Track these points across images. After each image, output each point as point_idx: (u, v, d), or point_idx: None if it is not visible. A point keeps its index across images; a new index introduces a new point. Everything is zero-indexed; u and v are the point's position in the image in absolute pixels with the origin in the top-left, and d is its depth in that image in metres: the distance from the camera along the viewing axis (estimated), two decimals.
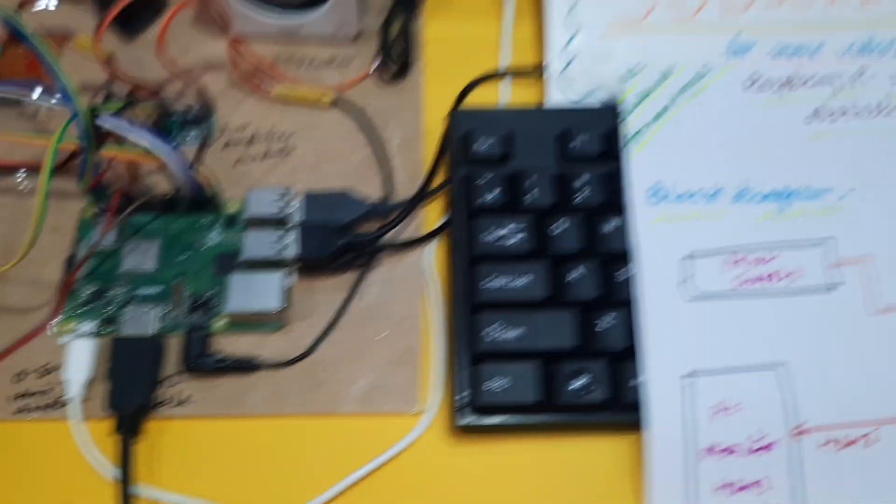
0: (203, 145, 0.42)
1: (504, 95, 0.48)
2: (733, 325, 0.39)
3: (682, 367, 0.38)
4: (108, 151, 0.39)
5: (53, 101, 0.41)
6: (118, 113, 0.40)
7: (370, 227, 0.43)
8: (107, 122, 0.39)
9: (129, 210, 0.41)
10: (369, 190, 0.45)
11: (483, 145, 0.42)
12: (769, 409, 0.38)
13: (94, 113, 0.38)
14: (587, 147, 0.42)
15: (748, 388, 0.38)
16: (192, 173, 0.41)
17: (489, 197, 0.41)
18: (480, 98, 0.48)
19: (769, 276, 0.40)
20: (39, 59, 0.37)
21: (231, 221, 0.43)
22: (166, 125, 0.46)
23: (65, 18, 0.50)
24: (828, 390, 0.38)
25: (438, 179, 0.45)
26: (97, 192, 0.42)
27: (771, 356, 0.39)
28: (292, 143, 0.46)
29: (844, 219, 0.41)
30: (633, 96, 0.43)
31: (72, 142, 0.39)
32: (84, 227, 0.43)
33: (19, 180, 0.45)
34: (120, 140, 0.40)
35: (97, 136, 0.39)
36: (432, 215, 0.44)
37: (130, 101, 0.44)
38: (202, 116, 0.46)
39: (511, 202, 0.41)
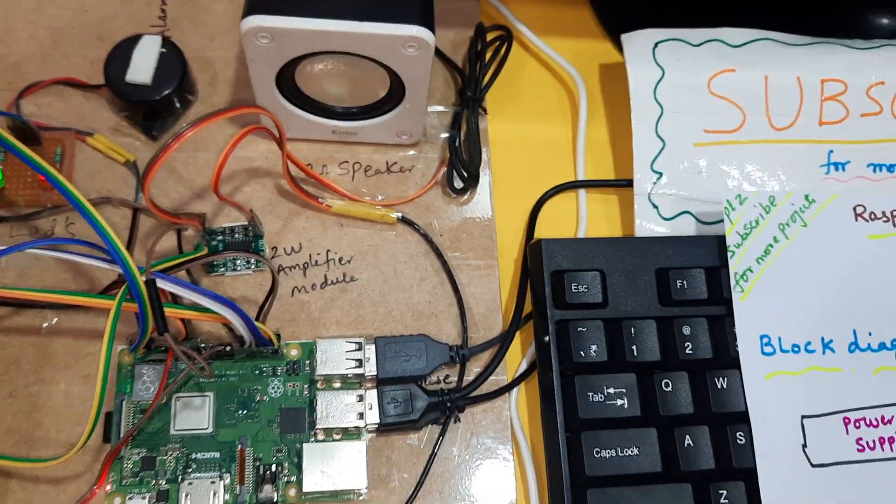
0: (269, 298, 0.36)
1: (581, 208, 0.43)
2: (857, 494, 0.37)
3: None
4: (168, 311, 0.33)
5: (105, 265, 0.34)
6: (170, 269, 0.34)
7: (449, 370, 0.39)
8: (169, 286, 0.33)
9: (184, 372, 0.36)
10: (442, 323, 0.40)
11: (581, 288, 0.38)
12: None
13: (153, 281, 0.32)
14: (691, 290, 0.39)
15: None
16: (258, 328, 0.36)
17: (590, 350, 0.37)
18: (555, 209, 0.43)
19: (892, 439, 0.37)
20: (85, 218, 0.31)
21: (293, 369, 0.38)
22: (213, 263, 0.40)
23: (76, 108, 0.43)
24: None
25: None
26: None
27: None
28: (354, 268, 0.41)
29: None
30: (737, 231, 0.40)
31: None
32: (122, 379, 0.38)
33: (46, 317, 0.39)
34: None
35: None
36: (511, 354, 0.40)
37: (188, 254, 0.37)
38: (249, 239, 0.40)
39: (613, 356, 0.38)
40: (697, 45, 0.44)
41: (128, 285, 0.32)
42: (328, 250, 0.41)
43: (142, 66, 0.41)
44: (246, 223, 0.41)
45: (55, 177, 0.31)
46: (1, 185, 0.40)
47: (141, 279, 0.31)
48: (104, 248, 0.33)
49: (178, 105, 0.43)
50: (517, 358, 0.41)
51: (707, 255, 0.40)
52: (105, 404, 0.37)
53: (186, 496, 0.36)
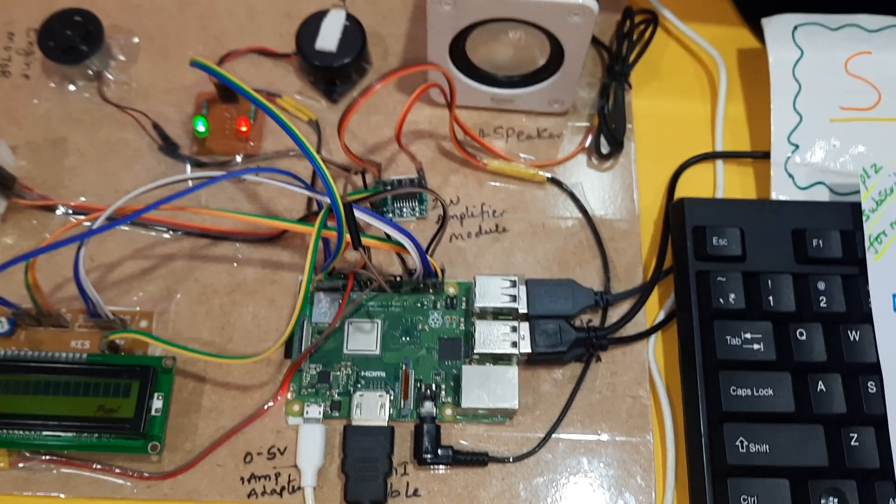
0: (438, 233, 0.41)
1: (719, 177, 0.46)
2: None
3: None
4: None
5: (305, 192, 0.39)
6: (360, 201, 0.39)
7: (591, 314, 0.43)
8: (359, 214, 0.38)
9: (362, 294, 0.41)
10: (586, 273, 0.44)
11: (721, 242, 0.41)
12: None
13: (350, 204, 0.37)
14: (826, 250, 0.41)
15: None
16: (428, 259, 0.40)
17: (729, 299, 0.40)
18: (693, 177, 0.47)
19: None
20: (301, 149, 0.37)
21: (451, 304, 0.43)
22: (383, 207, 0.45)
23: (266, 74, 0.49)
24: None
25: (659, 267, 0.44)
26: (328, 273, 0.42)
27: None
28: (506, 220, 0.45)
29: None
30: (872, 197, 0.42)
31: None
32: (303, 303, 0.43)
33: (237, 245, 0.45)
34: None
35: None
36: (649, 305, 0.44)
37: (374, 190, 0.43)
38: (414, 190, 0.45)
39: (750, 305, 0.40)
40: (835, 29, 0.46)
41: (325, 211, 0.38)
42: (483, 203, 0.46)
43: (329, 36, 0.46)
44: (412, 176, 0.45)
45: (284, 120, 0.36)
46: (205, 135, 0.46)
47: (341, 202, 0.36)
48: (299, 179, 0.39)
49: (355, 74, 0.48)
50: (655, 309, 0.44)
51: (841, 219, 0.42)
52: (285, 326, 0.42)
53: (357, 406, 0.40)
